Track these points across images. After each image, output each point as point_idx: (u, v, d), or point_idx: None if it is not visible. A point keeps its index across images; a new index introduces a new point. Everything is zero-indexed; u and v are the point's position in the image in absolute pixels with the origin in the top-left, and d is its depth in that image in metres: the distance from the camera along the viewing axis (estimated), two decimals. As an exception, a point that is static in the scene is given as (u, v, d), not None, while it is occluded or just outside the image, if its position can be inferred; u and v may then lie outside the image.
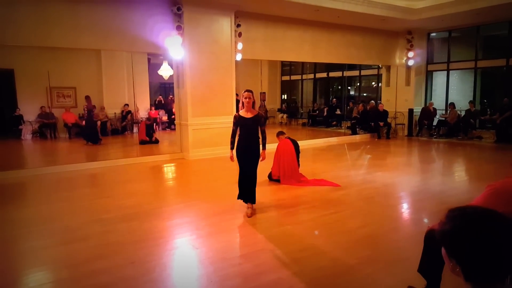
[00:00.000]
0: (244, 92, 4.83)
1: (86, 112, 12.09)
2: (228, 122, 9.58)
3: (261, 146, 4.95)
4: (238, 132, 4.91)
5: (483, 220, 1.13)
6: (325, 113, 16.42)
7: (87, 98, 12.03)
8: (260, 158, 4.89)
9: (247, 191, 4.95)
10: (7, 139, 12.72)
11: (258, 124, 4.82)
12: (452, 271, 1.17)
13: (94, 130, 11.95)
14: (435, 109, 13.14)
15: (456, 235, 1.14)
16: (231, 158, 4.94)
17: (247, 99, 4.77)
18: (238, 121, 4.82)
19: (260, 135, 4.93)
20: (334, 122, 15.99)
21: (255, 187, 4.98)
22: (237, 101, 10.83)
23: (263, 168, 7.25)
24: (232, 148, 4.91)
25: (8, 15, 7.20)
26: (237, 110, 5.05)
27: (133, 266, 3.48)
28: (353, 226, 4.51)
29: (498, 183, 2.36)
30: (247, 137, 4.82)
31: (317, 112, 16.88)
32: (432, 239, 2.69)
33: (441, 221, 1.21)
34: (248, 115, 4.81)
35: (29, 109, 13.01)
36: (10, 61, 12.42)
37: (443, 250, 1.20)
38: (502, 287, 1.11)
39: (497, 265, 1.09)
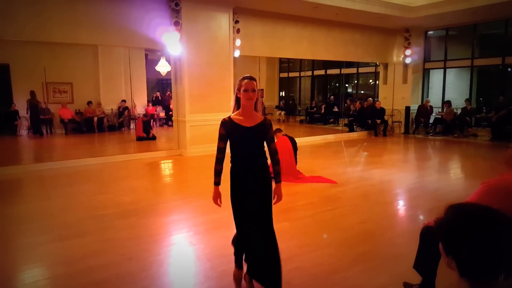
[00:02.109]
0: (243, 80, 2.74)
1: (28, 106, 12.52)
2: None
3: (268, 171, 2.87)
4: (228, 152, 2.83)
5: (480, 218, 1.14)
6: (323, 110, 16.44)
7: (32, 93, 12.43)
8: (274, 199, 2.85)
9: (262, 266, 2.76)
10: (3, 135, 12.66)
11: (264, 138, 2.80)
12: (448, 266, 1.19)
13: (38, 123, 12.57)
14: (431, 107, 13.18)
15: (452, 231, 1.16)
16: (216, 200, 2.87)
17: (250, 93, 2.68)
18: (230, 132, 2.75)
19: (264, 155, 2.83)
20: (332, 119, 16.01)
21: (279, 257, 2.77)
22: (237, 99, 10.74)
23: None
24: (217, 183, 2.84)
25: (5, 9, 7.14)
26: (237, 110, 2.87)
27: (130, 262, 3.49)
28: (350, 223, 4.53)
29: (492, 180, 2.38)
30: (247, 162, 2.78)
31: (315, 109, 16.91)
32: (427, 236, 2.72)
33: (439, 216, 1.22)
34: (249, 122, 2.74)
35: (25, 105, 12.95)
36: (5, 55, 12.34)
37: (440, 245, 1.21)
38: (497, 283, 1.12)
39: (491, 262, 1.11)
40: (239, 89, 2.75)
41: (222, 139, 2.79)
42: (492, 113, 11.63)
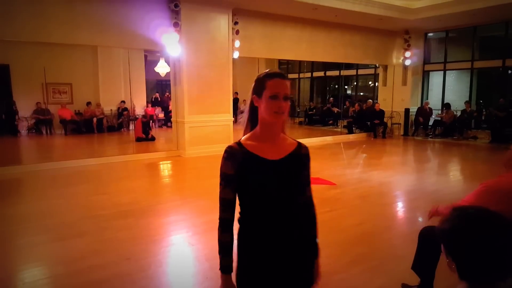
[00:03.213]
0: (271, 78, 1.49)
1: (5, 106, 12.76)
2: (225, 120, 9.75)
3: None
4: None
5: (482, 221, 1.14)
6: (326, 107, 16.46)
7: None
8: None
9: None
10: (3, 135, 12.67)
11: (300, 179, 1.61)
12: (449, 268, 1.20)
13: (12, 123, 12.83)
14: (430, 109, 13.19)
15: (453, 234, 1.16)
16: None
17: (282, 102, 1.48)
18: (244, 171, 1.50)
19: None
20: (330, 121, 16.00)
21: None
22: (235, 100, 10.68)
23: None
24: (226, 269, 1.61)
25: (4, 10, 7.14)
26: (249, 127, 1.61)
27: (128, 262, 3.49)
28: (349, 224, 4.53)
29: (491, 181, 2.38)
30: (275, 227, 1.52)
31: (314, 110, 16.92)
32: (426, 237, 2.72)
33: (443, 218, 1.23)
34: (274, 151, 1.54)
35: (24, 105, 12.96)
36: (5, 56, 12.37)
37: (443, 247, 1.22)
38: (496, 286, 1.12)
39: (491, 265, 1.11)
40: (258, 93, 1.50)
41: (228, 183, 1.52)
42: (494, 112, 11.61)
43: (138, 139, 11.47)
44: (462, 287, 1.16)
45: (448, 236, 1.18)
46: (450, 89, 14.04)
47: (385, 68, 14.08)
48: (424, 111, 13.08)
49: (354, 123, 13.83)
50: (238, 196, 1.56)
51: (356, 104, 14.34)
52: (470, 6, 10.13)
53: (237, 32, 9.66)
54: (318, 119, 16.48)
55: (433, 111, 13.32)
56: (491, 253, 1.10)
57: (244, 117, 1.62)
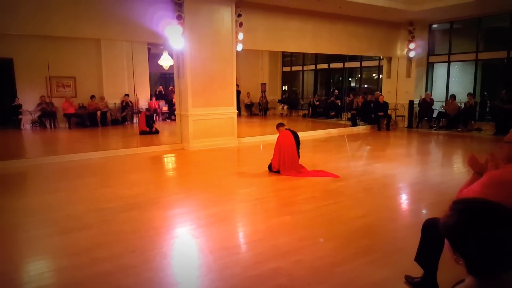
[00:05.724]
0: None
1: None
2: (228, 113, 9.73)
3: None
4: None
5: (487, 215, 1.13)
6: (329, 100, 16.39)
7: None
8: None
9: None
10: (7, 128, 12.74)
11: None
12: (456, 263, 1.18)
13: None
14: (432, 100, 13.08)
15: (460, 230, 1.14)
16: None
17: None
18: None
19: None
20: (333, 113, 15.91)
21: None
22: (237, 93, 10.71)
23: (264, 159, 7.28)
24: None
25: (8, 4, 7.15)
26: None
27: (133, 254, 3.51)
28: (352, 217, 4.53)
29: (495, 172, 2.38)
30: None
31: (318, 103, 16.87)
32: (429, 229, 2.72)
33: (445, 214, 1.21)
34: None
35: (28, 99, 13.01)
36: (9, 50, 12.42)
37: (447, 242, 1.20)
38: (503, 278, 1.12)
39: (500, 259, 1.10)
40: None
41: None
42: (499, 104, 11.51)
43: (142, 133, 11.51)
44: (469, 281, 1.15)
45: (454, 231, 1.16)
46: (455, 81, 13.94)
47: (389, 60, 13.99)
48: (425, 103, 12.98)
49: (358, 115, 13.79)
50: None
51: (360, 96, 14.27)
52: (475, -3, 10.03)
53: (241, 24, 9.62)
54: (322, 112, 16.43)
55: (436, 102, 13.23)
56: (499, 246, 1.09)
57: None
